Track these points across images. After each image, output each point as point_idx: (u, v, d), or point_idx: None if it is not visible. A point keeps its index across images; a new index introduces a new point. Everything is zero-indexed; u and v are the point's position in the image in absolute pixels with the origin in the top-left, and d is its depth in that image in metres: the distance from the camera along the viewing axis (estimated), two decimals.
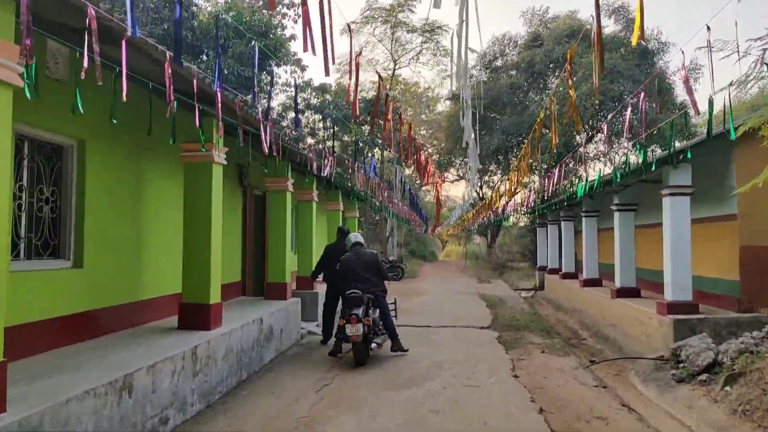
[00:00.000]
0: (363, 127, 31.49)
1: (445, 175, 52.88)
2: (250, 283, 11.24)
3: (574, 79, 25.25)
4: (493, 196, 25.35)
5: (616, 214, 12.72)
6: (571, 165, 24.85)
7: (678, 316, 9.30)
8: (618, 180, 10.28)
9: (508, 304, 17.37)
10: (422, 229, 42.68)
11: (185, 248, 7.13)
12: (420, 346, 10.27)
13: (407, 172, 45.64)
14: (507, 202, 25.89)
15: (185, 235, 7.15)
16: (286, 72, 31.81)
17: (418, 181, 53.94)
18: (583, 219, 15.83)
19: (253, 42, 7.07)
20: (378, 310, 9.18)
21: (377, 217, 40.28)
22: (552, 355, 9.78)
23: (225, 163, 7.46)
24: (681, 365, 8.05)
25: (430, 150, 48.21)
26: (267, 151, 7.39)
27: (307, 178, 12.23)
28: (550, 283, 20.89)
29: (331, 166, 13.13)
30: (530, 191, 23.84)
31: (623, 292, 12.37)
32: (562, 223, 19.01)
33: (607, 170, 28.44)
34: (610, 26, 28.94)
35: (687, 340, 8.61)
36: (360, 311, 8.42)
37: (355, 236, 9.61)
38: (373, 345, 8.68)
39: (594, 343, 11.89)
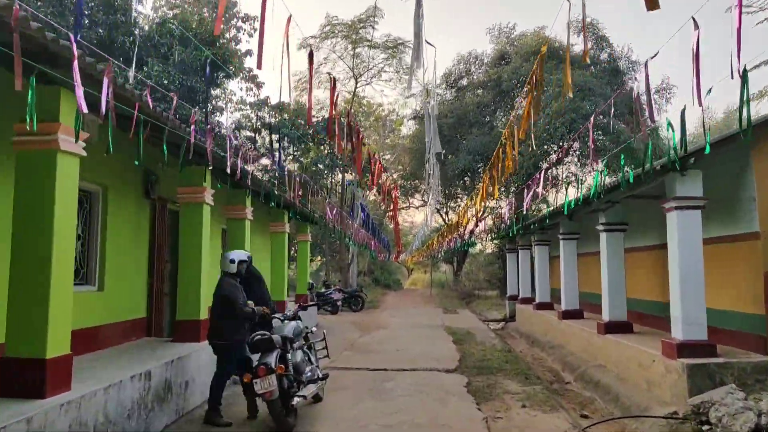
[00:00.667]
0: (321, 147, 29.49)
1: (410, 200, 51.28)
2: (160, 320, 8.93)
3: (544, 96, 23.81)
4: (458, 219, 23.48)
5: (603, 235, 10.83)
6: (539, 187, 23.23)
7: (692, 359, 7.35)
8: (623, 186, 8.36)
9: (477, 338, 15.31)
10: (385, 257, 40.61)
11: (12, 272, 4.86)
12: (370, 399, 8.09)
13: (370, 197, 43.76)
14: (473, 227, 24.13)
15: (13, 255, 4.88)
16: (240, 89, 29.81)
17: (383, 206, 52.15)
18: (561, 242, 13.96)
19: (201, 50, 5.08)
20: (298, 352, 7.05)
21: (338, 244, 38.16)
22: (535, 409, 7.70)
23: (83, 154, 5.25)
24: (708, 429, 6.06)
25: (394, 175, 46.51)
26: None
27: (248, 195, 10.09)
28: (522, 313, 18.94)
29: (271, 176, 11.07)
30: (497, 214, 22.05)
31: (613, 327, 10.41)
32: (536, 247, 17.13)
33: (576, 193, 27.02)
34: (578, 44, 27.75)
35: (710, 393, 6.64)
36: (271, 359, 6.26)
37: (233, 255, 7.10)
38: (296, 400, 6.45)
39: (581, 388, 9.87)
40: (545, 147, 24.40)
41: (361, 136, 9.75)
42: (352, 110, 34.03)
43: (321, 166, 30.62)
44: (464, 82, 30.55)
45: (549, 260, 17.17)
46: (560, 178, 23.85)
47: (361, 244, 29.92)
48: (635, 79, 7.70)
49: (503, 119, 27.01)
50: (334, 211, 18.47)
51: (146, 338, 8.63)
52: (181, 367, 7.04)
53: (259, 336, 6.45)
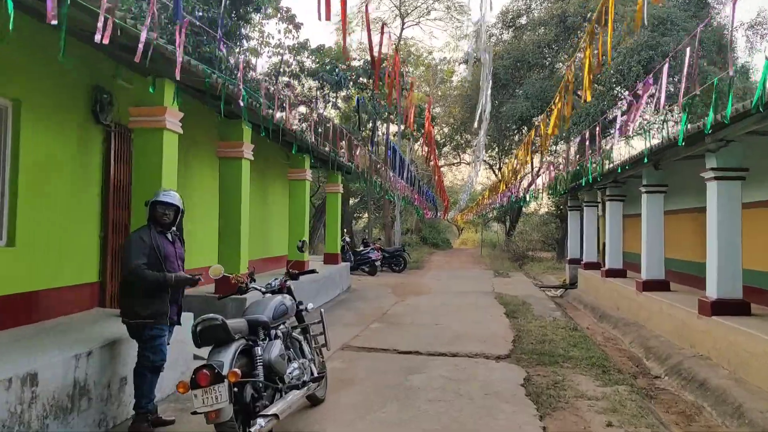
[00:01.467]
0: (364, 92, 26.92)
1: (461, 156, 48.23)
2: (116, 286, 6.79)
3: (616, 32, 20.47)
4: (512, 171, 20.72)
5: (713, 185, 8.02)
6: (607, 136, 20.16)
7: None
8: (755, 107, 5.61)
9: (534, 310, 12.80)
10: (433, 214, 38.15)
11: None
12: (386, 404, 5.78)
13: (418, 151, 41.08)
14: (530, 180, 21.43)
15: None
16: (278, 31, 27.28)
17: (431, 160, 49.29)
18: (645, 197, 11.16)
19: None
20: (276, 342, 4.76)
21: (384, 201, 35.92)
22: (626, 429, 5.25)
23: None
24: None
25: (444, 129, 43.60)
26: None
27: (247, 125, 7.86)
28: (586, 281, 16.27)
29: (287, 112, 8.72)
30: (557, 165, 19.15)
31: (723, 307, 7.75)
32: (607, 204, 14.30)
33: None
34: None
35: None
36: (224, 357, 4.01)
37: (162, 196, 4.90)
38: (259, 425, 4.13)
39: (678, 388, 7.32)
40: (616, 90, 21.15)
41: (409, 83, 7.40)
42: (399, 54, 31.13)
43: (364, 115, 28.13)
44: (523, 20, 27.18)
45: (622, 219, 14.35)
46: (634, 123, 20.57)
47: (407, 201, 27.59)
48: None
49: (567, 60, 23.74)
50: (369, 160, 16.08)
51: (97, 309, 6.53)
52: (110, 358, 4.89)
53: (204, 321, 4.16)
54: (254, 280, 5.49)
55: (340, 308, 12.45)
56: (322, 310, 6.60)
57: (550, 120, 11.46)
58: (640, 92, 7.93)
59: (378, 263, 20.15)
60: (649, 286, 10.81)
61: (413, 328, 10.17)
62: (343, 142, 13.14)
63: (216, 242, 8.69)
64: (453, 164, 51.03)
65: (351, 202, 46.95)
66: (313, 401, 5.53)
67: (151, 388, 4.77)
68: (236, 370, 3.93)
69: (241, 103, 6.76)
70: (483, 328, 10.25)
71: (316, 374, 5.32)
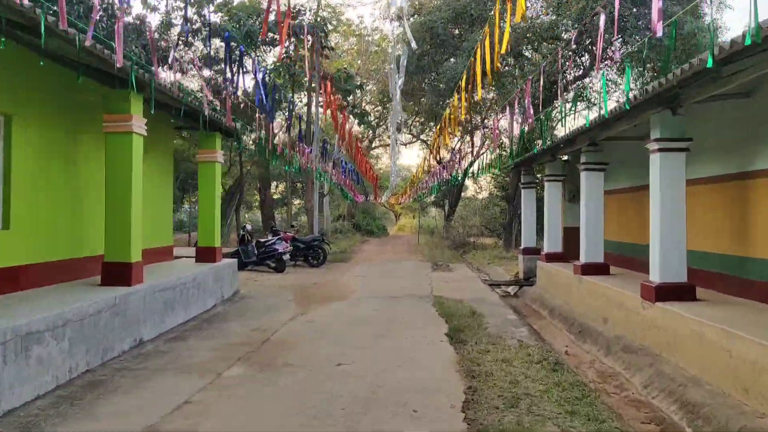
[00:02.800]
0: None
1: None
2: None
3: None
4: (439, 143, 16.86)
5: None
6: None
7: None
8: None
9: (489, 324, 8.89)
10: (364, 198, 34.14)
11: None
12: None
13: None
14: (472, 154, 17.77)
15: None
16: None
17: (365, 142, 45.10)
18: (658, 155, 7.32)
19: None
20: None
21: (301, 182, 31.61)
22: None
23: None
24: None
25: (379, 108, 39.48)
26: None
27: None
28: (549, 277, 12.52)
29: None
30: (502, 131, 15.40)
31: None
32: (585, 175, 10.46)
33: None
34: None
35: None
36: None
37: None
38: None
39: None
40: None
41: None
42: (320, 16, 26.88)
43: (278, 80, 23.61)
44: None
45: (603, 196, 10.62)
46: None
47: (328, 180, 23.36)
48: None
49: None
50: (269, 129, 11.78)
51: None
52: None
53: None
54: None
55: (201, 333, 8.14)
56: None
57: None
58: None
59: (287, 256, 15.86)
60: (668, 292, 7.03)
61: (297, 377, 5.99)
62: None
63: None
64: (388, 145, 46.99)
65: (279, 186, 42.47)
66: None
67: None
68: None
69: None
70: (414, 370, 6.19)
71: None
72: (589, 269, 10.16)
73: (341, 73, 23.58)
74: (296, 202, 42.81)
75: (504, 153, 18.63)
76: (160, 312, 7.86)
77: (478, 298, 11.68)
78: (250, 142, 23.66)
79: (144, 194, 9.36)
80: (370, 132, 43.60)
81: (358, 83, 23.94)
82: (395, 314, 9.70)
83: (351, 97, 24.05)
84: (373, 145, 45.05)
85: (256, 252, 15.84)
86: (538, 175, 17.27)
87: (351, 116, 24.56)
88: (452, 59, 20.40)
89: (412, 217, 64.32)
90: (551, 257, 12.99)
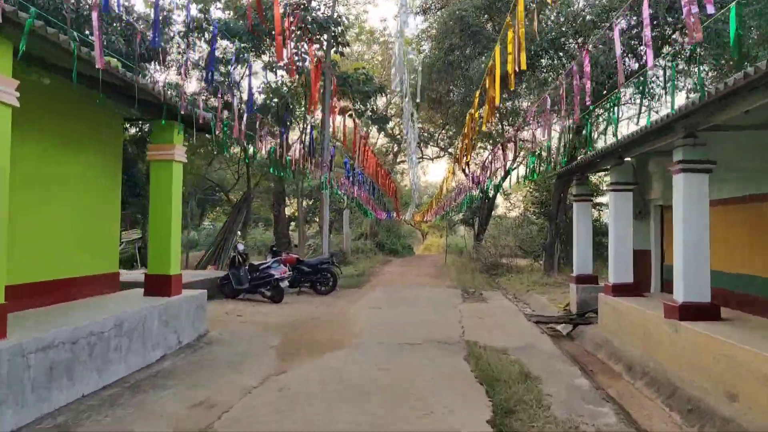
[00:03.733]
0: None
1: (423, 148, 41.19)
2: None
3: None
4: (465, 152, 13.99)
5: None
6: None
7: None
8: None
9: (549, 392, 5.84)
10: (386, 216, 31.27)
11: None
12: None
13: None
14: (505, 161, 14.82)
15: None
16: None
17: (390, 156, 42.18)
18: None
19: None
20: None
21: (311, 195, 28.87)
22: None
23: None
24: None
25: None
26: None
27: None
28: (619, 316, 9.30)
29: None
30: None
31: None
32: (681, 178, 7.31)
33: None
34: None
35: None
36: None
37: None
38: None
39: None
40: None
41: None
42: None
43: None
44: None
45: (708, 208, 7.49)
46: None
47: (346, 195, 20.56)
48: None
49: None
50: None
51: None
52: None
53: None
54: None
55: (109, 413, 5.23)
56: None
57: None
58: None
59: (284, 283, 12.92)
60: None
61: None
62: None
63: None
64: (420, 158, 44.01)
65: (304, 203, 39.62)
66: None
67: None
68: None
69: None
70: None
71: None
72: (689, 312, 7.03)
73: (359, 74, 20.79)
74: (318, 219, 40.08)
75: (541, 163, 15.63)
76: (43, 384, 5.00)
77: (526, 345, 8.57)
78: (262, 152, 21.05)
79: (68, 201, 6.64)
80: (395, 146, 40.83)
81: (379, 86, 21.08)
82: (410, 377, 6.64)
83: (371, 101, 21.23)
84: (398, 160, 42.14)
85: (248, 278, 12.99)
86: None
87: (370, 122, 21.74)
88: (483, 57, 17.41)
89: (440, 236, 61.19)
90: (619, 289, 9.82)
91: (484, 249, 29.59)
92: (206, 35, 18.85)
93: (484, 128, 15.03)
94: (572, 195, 12.62)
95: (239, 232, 22.34)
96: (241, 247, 13.34)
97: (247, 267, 13.14)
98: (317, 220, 39.12)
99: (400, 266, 28.54)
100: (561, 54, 17.72)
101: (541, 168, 14.90)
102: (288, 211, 37.29)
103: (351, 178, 20.21)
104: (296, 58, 17.87)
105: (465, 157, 22.89)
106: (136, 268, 19.54)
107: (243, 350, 7.87)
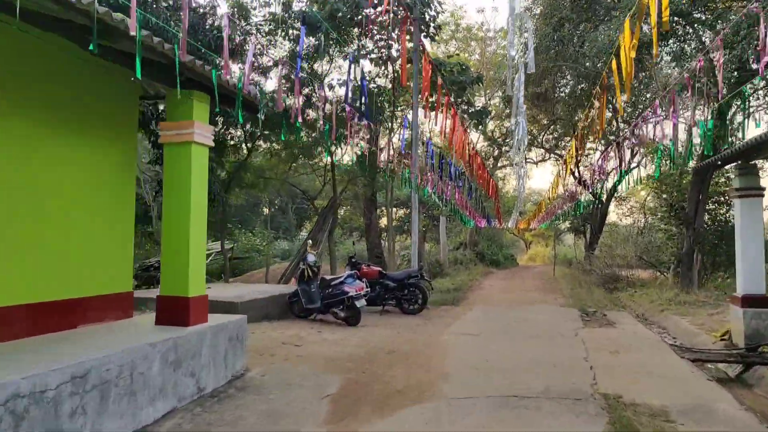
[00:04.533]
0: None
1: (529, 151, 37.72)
2: None
3: None
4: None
5: None
6: None
7: None
8: None
9: None
10: (486, 223, 28.44)
11: None
12: None
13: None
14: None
15: None
16: None
17: (490, 161, 39.13)
18: None
19: None
20: None
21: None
22: None
23: None
24: None
25: (506, 124, 33.86)
26: None
27: None
28: None
29: None
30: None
31: None
32: None
33: None
34: None
35: None
36: None
37: None
38: None
39: None
40: None
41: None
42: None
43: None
44: None
45: None
46: None
47: (441, 200, 18.12)
48: None
49: None
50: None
51: None
52: None
53: None
54: None
55: None
56: None
57: None
58: None
59: (361, 302, 10.58)
60: None
61: None
62: None
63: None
64: (516, 164, 40.54)
65: (398, 212, 37.39)
66: None
67: None
68: None
69: None
70: None
71: None
72: None
73: (454, 65, 18.33)
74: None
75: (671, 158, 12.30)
76: None
77: (696, 405, 5.67)
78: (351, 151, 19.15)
79: (74, 205, 4.68)
80: (495, 150, 37.78)
81: (475, 76, 18.47)
82: None
83: (466, 93, 18.68)
84: (499, 164, 38.99)
85: (320, 296, 10.83)
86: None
87: (466, 116, 19.14)
88: (601, 27, 14.32)
89: (545, 246, 56.93)
90: None
91: (599, 259, 25.92)
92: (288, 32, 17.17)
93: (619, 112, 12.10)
94: (734, 189, 9.36)
95: (325, 241, 20.45)
96: (311, 258, 11.19)
97: (317, 282, 10.98)
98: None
99: (503, 279, 25.57)
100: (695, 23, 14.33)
101: (679, 161, 11.86)
102: (384, 220, 35.40)
103: (447, 179, 17.78)
104: (382, 45, 15.72)
105: (578, 155, 19.75)
106: (220, 281, 18.13)
107: (284, 402, 5.60)
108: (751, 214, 9.17)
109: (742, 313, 8.97)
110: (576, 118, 26.90)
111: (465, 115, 18.77)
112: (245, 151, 18.92)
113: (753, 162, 9.18)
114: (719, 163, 9.57)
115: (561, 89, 22.21)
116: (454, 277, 22.64)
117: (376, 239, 26.15)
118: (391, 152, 15.57)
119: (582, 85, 18.32)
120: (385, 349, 8.30)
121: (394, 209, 33.98)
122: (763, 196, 9.23)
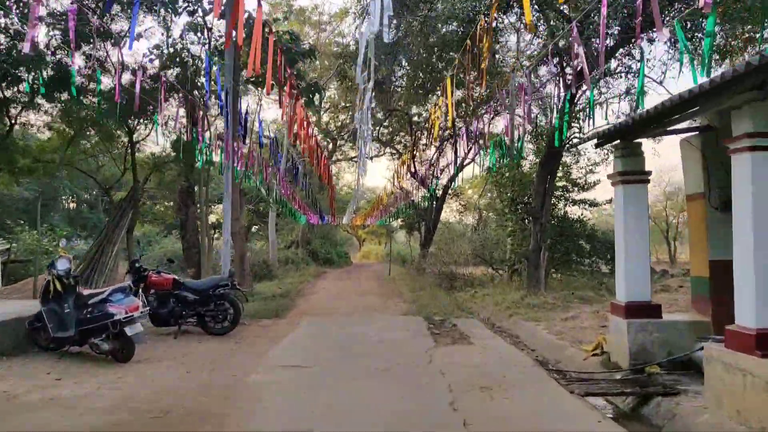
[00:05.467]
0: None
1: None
2: None
3: None
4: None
5: None
6: None
7: None
8: None
9: None
10: (319, 220, 25.91)
11: None
12: None
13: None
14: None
15: None
16: None
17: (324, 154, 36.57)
18: None
19: None
20: None
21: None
22: None
23: None
24: None
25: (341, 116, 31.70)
26: None
27: None
28: None
29: None
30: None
31: None
32: None
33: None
34: None
35: None
36: None
37: None
38: None
39: None
40: None
41: None
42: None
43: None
44: None
45: None
46: None
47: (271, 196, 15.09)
48: None
49: None
50: None
51: None
52: None
53: None
54: None
55: None
56: None
57: None
58: None
59: (137, 326, 7.17)
60: None
61: None
62: None
63: None
64: (352, 159, 38.42)
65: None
66: None
67: None
68: None
69: None
70: None
71: None
72: None
73: (284, 32, 15.42)
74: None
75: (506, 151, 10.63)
76: None
77: None
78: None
79: None
80: (329, 144, 35.29)
81: (308, 48, 15.71)
82: None
83: (296, 67, 15.80)
84: (333, 158, 36.61)
85: (75, 317, 7.26)
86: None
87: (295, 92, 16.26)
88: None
89: (378, 243, 55.99)
90: (758, 340, 4.81)
91: (435, 257, 24.49)
92: None
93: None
94: (616, 174, 7.57)
95: (122, 240, 16.33)
96: (63, 264, 7.50)
97: (72, 299, 7.39)
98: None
99: (337, 279, 23.13)
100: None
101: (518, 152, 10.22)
102: (213, 217, 31.31)
103: (276, 166, 14.83)
104: None
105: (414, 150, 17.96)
106: None
107: None
108: (636, 203, 7.44)
109: (626, 326, 7.17)
110: (412, 111, 25.42)
111: (294, 90, 15.88)
112: (6, 125, 14.28)
113: (638, 141, 7.45)
114: (598, 141, 7.74)
115: (399, 75, 20.27)
116: (283, 279, 19.74)
117: (195, 238, 22.08)
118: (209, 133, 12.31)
119: (421, 76, 16.45)
120: (154, 411, 5.12)
121: (219, 205, 30.11)
122: (648, 181, 7.56)
